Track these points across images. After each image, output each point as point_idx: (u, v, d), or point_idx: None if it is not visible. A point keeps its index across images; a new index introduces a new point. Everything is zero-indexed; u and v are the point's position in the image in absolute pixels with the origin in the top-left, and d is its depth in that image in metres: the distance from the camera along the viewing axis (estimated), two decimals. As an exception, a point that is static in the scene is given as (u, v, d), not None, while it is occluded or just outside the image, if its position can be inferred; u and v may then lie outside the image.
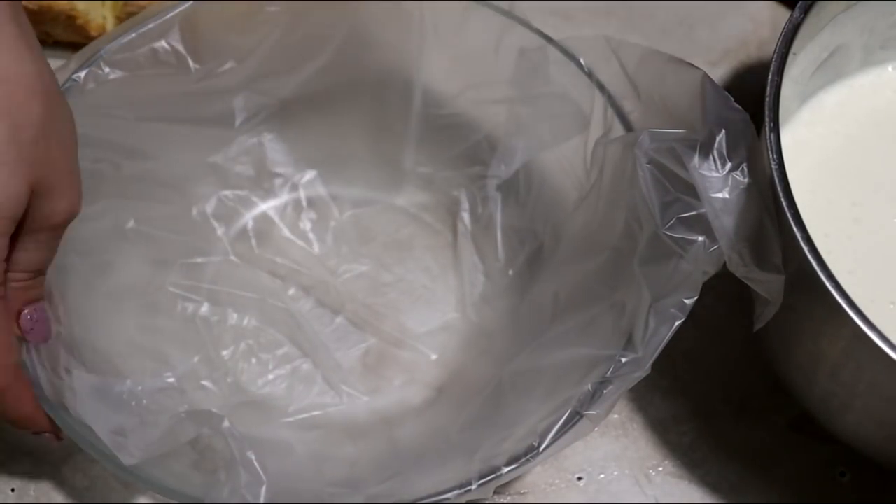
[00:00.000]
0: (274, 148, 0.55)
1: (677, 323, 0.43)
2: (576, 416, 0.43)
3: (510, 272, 0.54)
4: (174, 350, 0.51)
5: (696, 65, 0.46)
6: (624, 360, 0.43)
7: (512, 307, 0.53)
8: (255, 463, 0.40)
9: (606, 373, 0.43)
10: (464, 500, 0.43)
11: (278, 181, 0.56)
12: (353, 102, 0.55)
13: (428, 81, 0.54)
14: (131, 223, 0.52)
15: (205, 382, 0.51)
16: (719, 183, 0.43)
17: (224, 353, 0.52)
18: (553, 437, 0.42)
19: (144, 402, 0.45)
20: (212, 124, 0.53)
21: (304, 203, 0.56)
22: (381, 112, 0.55)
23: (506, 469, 0.42)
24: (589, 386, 0.43)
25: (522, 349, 0.49)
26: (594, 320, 0.46)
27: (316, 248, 0.56)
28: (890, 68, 0.56)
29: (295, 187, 0.56)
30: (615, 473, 0.52)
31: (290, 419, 0.51)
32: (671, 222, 0.43)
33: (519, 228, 0.54)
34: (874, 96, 0.55)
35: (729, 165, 0.43)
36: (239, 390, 0.52)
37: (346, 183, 0.57)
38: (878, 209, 0.52)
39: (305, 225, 0.56)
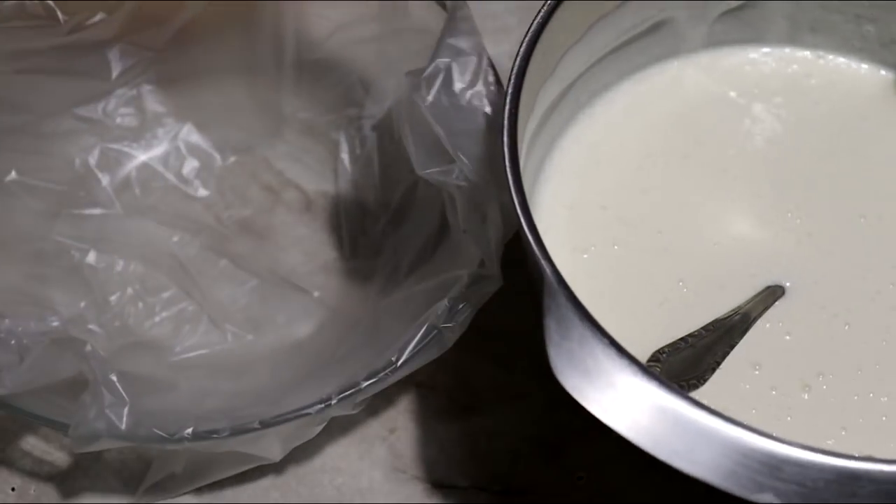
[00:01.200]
0: (153, 99, 0.57)
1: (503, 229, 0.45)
2: (433, 331, 0.45)
3: (389, 209, 0.56)
4: (61, 296, 0.53)
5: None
6: (477, 275, 0.45)
7: (390, 243, 0.55)
8: (118, 384, 0.42)
9: (462, 289, 0.45)
10: (327, 416, 0.44)
11: (160, 131, 0.57)
12: (227, 50, 0.56)
13: (298, 25, 0.55)
14: (13, 175, 0.53)
15: (92, 326, 0.52)
16: (450, 111, 0.45)
17: (111, 298, 0.54)
18: (411, 352, 0.44)
19: (25, 341, 0.46)
20: (87, 76, 0.54)
21: (186, 151, 0.57)
22: (254, 59, 0.56)
23: (364, 383, 0.44)
24: (446, 301, 0.45)
25: (399, 281, 0.51)
26: (459, 246, 0.48)
27: (200, 194, 0.57)
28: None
29: (176, 136, 0.57)
30: (616, 472, 0.50)
31: (176, 359, 0.52)
32: (424, 158, 0.45)
33: (396, 166, 0.56)
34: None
35: (459, 93, 0.45)
36: (126, 333, 0.53)
37: (227, 130, 0.58)
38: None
39: (189, 173, 0.57)
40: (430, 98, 0.45)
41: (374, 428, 0.51)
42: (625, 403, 0.38)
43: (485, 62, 0.46)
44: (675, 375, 0.45)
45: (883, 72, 0.55)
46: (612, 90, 0.54)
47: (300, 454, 0.50)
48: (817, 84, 0.54)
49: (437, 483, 0.50)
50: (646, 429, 0.38)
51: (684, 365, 0.46)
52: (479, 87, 0.46)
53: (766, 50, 0.55)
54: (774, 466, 0.37)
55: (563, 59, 0.50)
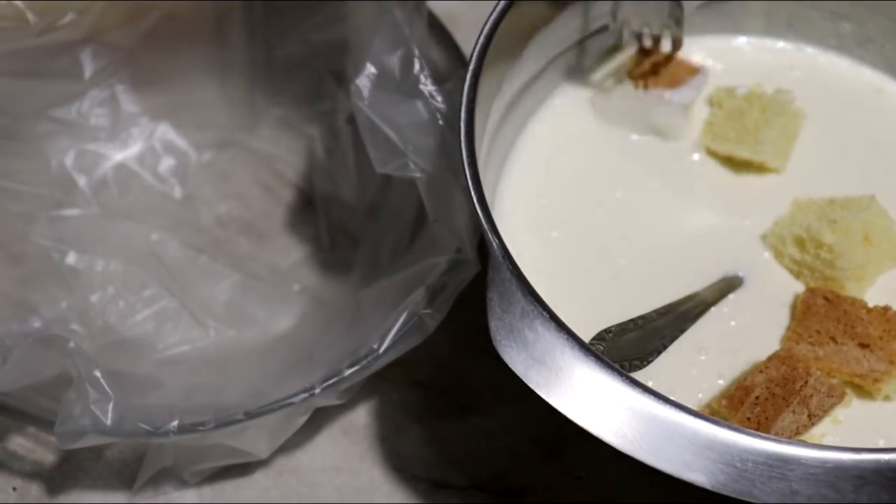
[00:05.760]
0: (127, 99, 0.57)
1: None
2: (413, 318, 0.45)
3: (365, 201, 0.56)
4: (42, 298, 0.53)
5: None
6: (455, 261, 0.46)
7: (368, 234, 0.55)
8: (102, 380, 0.42)
9: (440, 275, 0.45)
10: (311, 405, 0.45)
11: (135, 130, 0.58)
12: (199, 47, 0.56)
13: (265, 20, 0.55)
14: (-11, 179, 0.53)
15: (74, 326, 0.53)
16: (391, 108, 0.46)
17: (92, 298, 0.54)
18: (393, 339, 0.45)
19: (7, 342, 0.46)
20: (60, 78, 0.55)
21: (162, 150, 0.58)
22: (226, 55, 0.57)
23: (347, 371, 0.44)
24: (425, 288, 0.45)
25: (379, 271, 0.52)
26: (436, 234, 0.49)
27: (177, 192, 0.57)
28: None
29: (151, 135, 0.58)
30: (615, 472, 0.50)
31: (160, 356, 0.53)
32: (381, 156, 0.46)
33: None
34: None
35: (396, 89, 0.46)
36: (109, 332, 0.53)
37: (201, 127, 0.58)
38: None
39: (165, 171, 0.57)
40: (369, 99, 0.46)
41: (375, 428, 0.51)
42: (559, 377, 0.39)
43: (415, 54, 0.47)
44: (619, 355, 0.45)
45: (862, 67, 0.55)
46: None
47: (300, 454, 0.50)
48: (794, 76, 0.55)
49: (437, 483, 0.50)
50: (577, 402, 0.38)
51: (630, 346, 0.46)
52: (414, 80, 0.47)
53: (744, 39, 0.56)
54: (703, 445, 0.37)
55: (532, 42, 0.50)
